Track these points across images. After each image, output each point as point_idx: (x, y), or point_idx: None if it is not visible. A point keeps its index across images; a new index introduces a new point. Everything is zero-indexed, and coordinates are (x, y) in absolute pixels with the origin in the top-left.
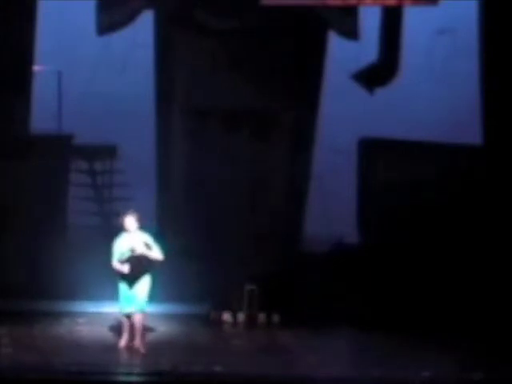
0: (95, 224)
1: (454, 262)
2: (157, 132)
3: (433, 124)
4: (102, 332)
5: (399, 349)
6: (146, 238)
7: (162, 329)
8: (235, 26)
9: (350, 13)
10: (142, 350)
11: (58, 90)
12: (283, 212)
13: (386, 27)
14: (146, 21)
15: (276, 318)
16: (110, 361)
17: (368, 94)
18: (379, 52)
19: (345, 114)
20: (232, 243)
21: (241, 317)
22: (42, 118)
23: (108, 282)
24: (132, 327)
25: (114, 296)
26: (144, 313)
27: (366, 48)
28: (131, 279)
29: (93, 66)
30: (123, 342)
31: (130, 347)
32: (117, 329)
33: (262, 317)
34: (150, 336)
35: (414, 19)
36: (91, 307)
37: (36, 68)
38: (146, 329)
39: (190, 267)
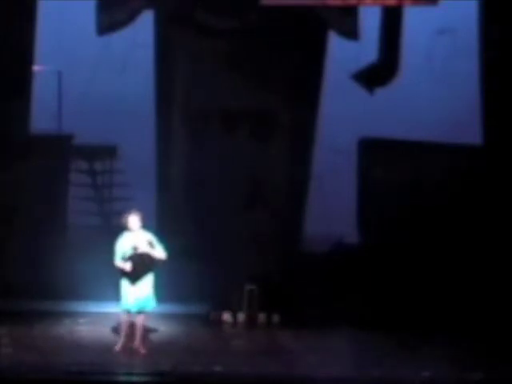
0: (95, 224)
1: (454, 261)
2: (157, 132)
3: (433, 124)
4: (103, 332)
5: (399, 349)
6: (150, 237)
7: (162, 329)
8: (235, 26)
9: (350, 13)
10: (142, 351)
11: (58, 90)
12: (283, 212)
13: (386, 27)
14: (146, 21)
15: (276, 318)
16: (110, 361)
17: (368, 94)
18: (379, 52)
19: (345, 114)
20: (232, 243)
21: (241, 317)
22: (41, 118)
23: (109, 281)
24: (132, 327)
25: (114, 296)
26: (147, 313)
27: (366, 48)
28: (133, 277)
29: (93, 66)
30: (120, 345)
31: (128, 348)
32: (117, 329)
33: (262, 317)
34: (150, 336)
35: (414, 19)
36: (92, 307)
37: (36, 68)
38: (148, 330)
39: (190, 267)
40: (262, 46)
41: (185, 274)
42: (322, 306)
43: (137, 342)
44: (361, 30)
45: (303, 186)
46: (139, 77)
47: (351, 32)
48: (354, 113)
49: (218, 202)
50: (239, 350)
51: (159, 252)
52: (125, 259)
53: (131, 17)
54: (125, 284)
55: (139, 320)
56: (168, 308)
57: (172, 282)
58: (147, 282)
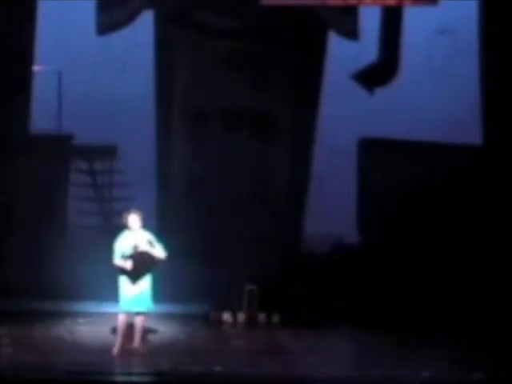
0: (95, 224)
1: (454, 261)
2: (157, 132)
3: (433, 124)
4: (103, 332)
5: (399, 349)
6: (149, 236)
7: (162, 329)
8: (235, 26)
9: (350, 13)
10: (142, 351)
11: (58, 90)
12: (283, 212)
13: (386, 27)
14: (146, 21)
15: (276, 318)
16: (110, 361)
17: (368, 94)
18: (379, 52)
19: (345, 113)
20: (232, 243)
21: (241, 317)
22: (41, 117)
23: (108, 281)
24: (131, 328)
25: (114, 296)
26: (147, 314)
27: (366, 48)
28: (133, 276)
29: (93, 66)
30: (117, 348)
31: (126, 349)
32: (116, 330)
33: (262, 317)
34: (150, 336)
35: (414, 19)
36: (91, 307)
37: (36, 68)
38: (147, 331)
39: (190, 267)
40: (262, 46)
41: (185, 273)
42: (321, 306)
43: (136, 342)
44: (361, 30)
45: (303, 186)
46: (139, 77)
47: (351, 32)
48: (354, 113)
49: (218, 201)
50: (239, 350)
51: (159, 251)
52: (125, 257)
53: (131, 17)
54: (123, 284)
55: (138, 321)
56: (168, 308)
57: (172, 281)
58: (145, 283)
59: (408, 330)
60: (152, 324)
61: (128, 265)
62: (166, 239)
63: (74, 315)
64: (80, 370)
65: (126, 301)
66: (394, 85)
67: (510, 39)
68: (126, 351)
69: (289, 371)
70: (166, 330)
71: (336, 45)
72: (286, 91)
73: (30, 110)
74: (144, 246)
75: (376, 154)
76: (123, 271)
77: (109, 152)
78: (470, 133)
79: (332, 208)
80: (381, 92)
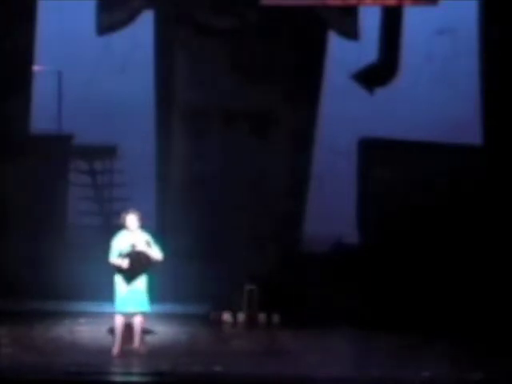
0: (95, 224)
1: (454, 262)
2: (157, 132)
3: (433, 124)
4: (103, 332)
5: (399, 349)
6: (147, 237)
7: (162, 329)
8: (235, 26)
9: (350, 13)
10: (142, 351)
11: (58, 90)
12: (283, 212)
13: (386, 27)
14: (146, 21)
15: (276, 318)
16: (109, 361)
17: (368, 94)
18: (379, 52)
19: (345, 113)
20: (232, 243)
21: (241, 317)
22: (41, 118)
23: (108, 281)
24: (129, 328)
25: (114, 296)
26: (145, 315)
27: (366, 48)
28: (130, 275)
29: (93, 66)
30: (116, 349)
31: (126, 350)
32: (113, 330)
33: (262, 317)
34: (150, 336)
35: (414, 19)
36: (91, 307)
37: (36, 68)
38: (145, 331)
39: (190, 267)
40: (262, 46)
41: (185, 273)
42: (321, 306)
43: (136, 342)
44: (361, 30)
45: (303, 186)
46: (139, 77)
47: (351, 32)
48: (353, 113)
49: (218, 201)
50: (239, 349)
51: (156, 253)
52: (122, 256)
53: (131, 17)
54: (118, 285)
55: (137, 321)
56: (168, 308)
57: (172, 281)
58: (142, 284)
59: (408, 330)
60: (152, 324)
61: (124, 263)
62: (165, 239)
63: (74, 315)
64: (80, 371)
65: (122, 301)
66: (394, 85)
67: (510, 39)
68: (126, 352)
69: (289, 371)
70: (165, 330)
71: (336, 45)
72: (286, 91)
73: (29, 110)
74: (142, 246)
75: (376, 154)
76: (119, 270)
77: (109, 152)
78: (470, 133)
79: (332, 208)
80: (381, 92)
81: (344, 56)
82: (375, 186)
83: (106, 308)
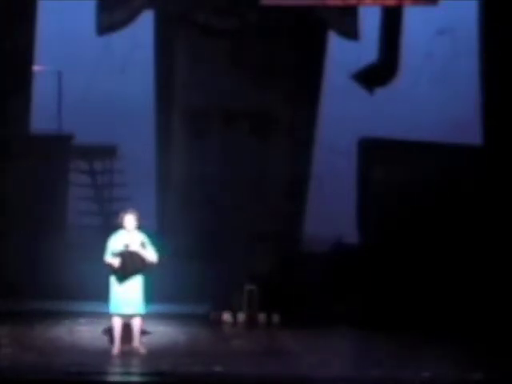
0: (95, 224)
1: (454, 262)
2: (157, 132)
3: (433, 124)
4: (102, 332)
5: (399, 349)
6: (143, 238)
7: (162, 329)
8: (235, 26)
9: (350, 13)
10: (142, 351)
11: (58, 90)
12: (283, 212)
13: (386, 27)
14: (145, 21)
15: (276, 318)
16: (109, 361)
17: (368, 94)
18: (379, 52)
19: (345, 114)
20: (232, 243)
21: (241, 317)
22: (41, 117)
23: (108, 281)
24: (127, 329)
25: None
26: (142, 316)
27: (366, 48)
28: (121, 274)
29: (93, 66)
30: (116, 348)
31: (126, 350)
32: (109, 331)
33: (262, 317)
34: (150, 337)
35: (414, 19)
36: (92, 307)
37: (36, 68)
38: (143, 332)
39: (190, 267)
40: (262, 46)
41: (185, 273)
42: (322, 306)
43: (136, 342)
44: (361, 30)
45: (303, 186)
46: (139, 77)
47: (351, 32)
48: (353, 113)
49: (218, 201)
50: (239, 349)
51: (151, 254)
52: (115, 255)
53: (131, 17)
54: (114, 286)
55: (137, 323)
56: (168, 308)
57: (172, 281)
58: (137, 286)
59: (408, 329)
60: (152, 324)
61: (116, 262)
62: (165, 239)
63: (74, 315)
64: (80, 371)
65: (116, 303)
66: (394, 85)
67: (510, 39)
68: (126, 352)
69: (289, 371)
70: (165, 331)
71: (336, 45)
72: (286, 91)
73: (29, 110)
74: (135, 247)
75: (376, 154)
76: (112, 270)
77: (109, 152)
78: (470, 133)
79: (332, 208)
80: (381, 92)
81: (344, 56)
82: (375, 185)
83: (106, 308)
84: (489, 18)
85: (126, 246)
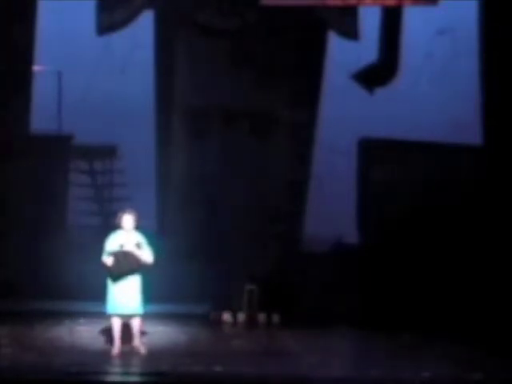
0: (95, 224)
1: (454, 262)
2: (157, 132)
3: (433, 124)
4: (101, 332)
5: (399, 349)
6: (140, 238)
7: (162, 329)
8: (235, 26)
9: (350, 13)
10: (142, 351)
11: (58, 90)
12: (283, 212)
13: (386, 27)
14: (145, 21)
15: (276, 318)
16: (109, 361)
17: (368, 94)
18: (379, 52)
19: (345, 114)
20: (232, 243)
21: (241, 317)
22: (41, 117)
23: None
24: (127, 329)
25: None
26: (141, 316)
27: (366, 48)
28: (115, 274)
29: (93, 66)
30: (116, 348)
31: (126, 349)
32: (107, 332)
33: (262, 317)
34: (150, 337)
35: (414, 19)
36: (92, 307)
37: (36, 68)
38: (142, 332)
39: (190, 267)
40: (262, 46)
41: (185, 274)
42: (322, 306)
43: (136, 342)
44: (361, 30)
45: (303, 186)
46: (139, 77)
47: (351, 32)
48: (353, 113)
49: (218, 202)
50: (239, 350)
51: (146, 255)
52: (109, 254)
53: (131, 17)
54: (111, 286)
55: (137, 324)
56: (168, 308)
57: (172, 281)
58: (135, 286)
59: (408, 330)
60: (152, 324)
61: (109, 261)
62: (165, 239)
63: (74, 315)
64: (79, 371)
65: (113, 303)
66: (394, 85)
67: (510, 39)
68: (126, 352)
69: (289, 371)
70: (165, 331)
71: (336, 45)
72: (286, 91)
73: (29, 110)
74: (130, 247)
75: (376, 154)
76: (107, 269)
77: (109, 152)
78: (470, 133)
79: (332, 208)
80: (381, 92)
81: (344, 56)
82: (375, 186)
83: (105, 308)
84: (489, 18)
85: (121, 246)
